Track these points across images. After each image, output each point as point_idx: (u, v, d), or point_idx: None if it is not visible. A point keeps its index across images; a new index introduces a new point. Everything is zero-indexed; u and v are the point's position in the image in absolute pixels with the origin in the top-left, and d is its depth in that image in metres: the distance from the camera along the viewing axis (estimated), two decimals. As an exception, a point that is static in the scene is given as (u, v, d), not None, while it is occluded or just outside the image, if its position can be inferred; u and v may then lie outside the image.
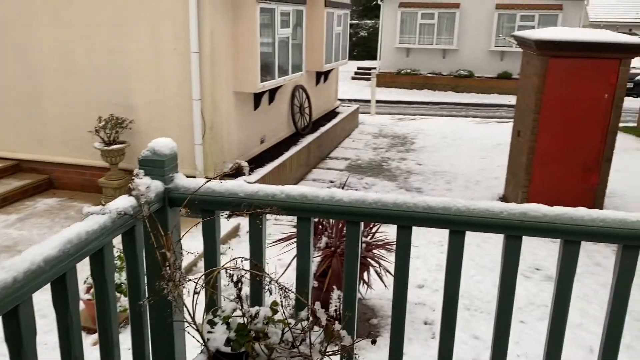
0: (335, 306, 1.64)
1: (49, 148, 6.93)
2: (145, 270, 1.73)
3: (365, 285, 4.20)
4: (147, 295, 1.70)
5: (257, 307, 1.52)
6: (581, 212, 1.64)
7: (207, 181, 1.73)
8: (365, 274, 4.18)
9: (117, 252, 3.77)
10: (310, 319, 1.50)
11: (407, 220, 1.72)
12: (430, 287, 4.86)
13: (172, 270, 1.55)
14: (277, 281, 1.51)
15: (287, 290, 1.51)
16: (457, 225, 1.70)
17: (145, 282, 1.74)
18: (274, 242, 4.49)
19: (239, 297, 1.50)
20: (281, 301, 1.49)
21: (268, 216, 1.78)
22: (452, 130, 12.27)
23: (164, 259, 1.57)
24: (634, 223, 1.60)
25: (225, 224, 5.81)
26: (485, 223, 1.67)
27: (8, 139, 7.06)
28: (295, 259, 1.79)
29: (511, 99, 17.00)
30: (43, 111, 6.82)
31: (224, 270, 1.58)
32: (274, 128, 8.28)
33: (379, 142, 11.01)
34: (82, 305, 4.10)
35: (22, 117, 6.93)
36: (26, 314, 1.23)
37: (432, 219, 1.70)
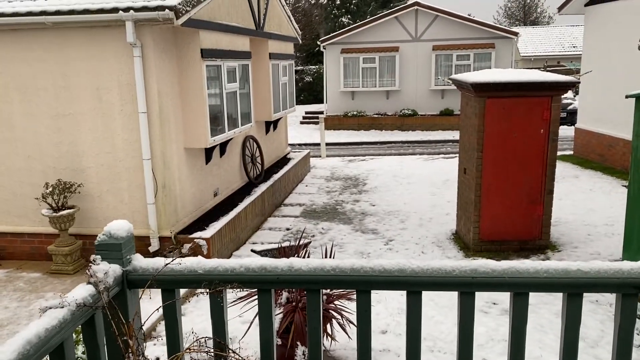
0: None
1: (-7, 218, 6.67)
2: (107, 358, 1.70)
3: (329, 338, 4.19)
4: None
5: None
6: (527, 265, 1.75)
7: (168, 263, 1.74)
8: (328, 326, 4.18)
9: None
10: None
11: (365, 285, 1.78)
12: (394, 331, 4.90)
13: (135, 358, 1.54)
14: (241, 357, 1.52)
15: (253, 367, 1.52)
16: (414, 286, 1.77)
17: (108, 370, 1.71)
18: (234, 301, 4.45)
19: (205, 382, 1.50)
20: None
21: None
22: (401, 168, 12.58)
23: (127, 347, 1.56)
24: (575, 272, 1.71)
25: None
26: (439, 282, 1.75)
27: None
28: (258, 317, 1.81)
29: (455, 134, 17.67)
30: (-15, 180, 6.60)
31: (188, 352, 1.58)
32: (227, 180, 8.28)
33: (331, 185, 11.15)
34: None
35: (-38, 187, 6.67)
36: None
37: (389, 281, 1.76)
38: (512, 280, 1.72)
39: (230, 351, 1.63)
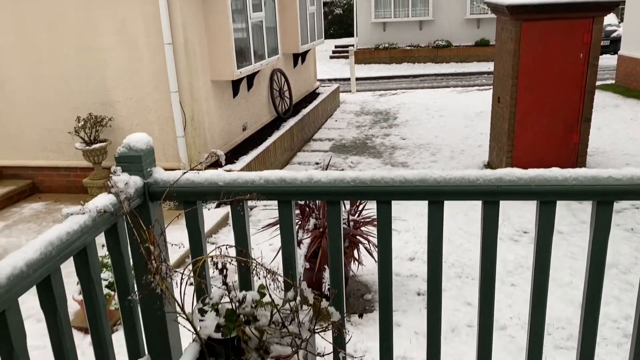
0: (328, 285, 1.66)
1: (29, 153, 6.85)
2: (132, 265, 1.74)
3: (357, 263, 4.24)
4: (136, 290, 1.72)
5: (244, 292, 1.54)
6: (554, 173, 1.67)
7: (185, 172, 1.73)
8: (355, 251, 4.22)
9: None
10: (298, 298, 1.53)
11: (385, 195, 1.74)
12: (421, 258, 4.92)
13: (157, 264, 1.57)
14: (262, 265, 1.54)
15: (273, 273, 1.53)
16: (435, 195, 1.73)
17: (134, 277, 1.75)
18: (263, 227, 4.51)
19: (225, 284, 1.52)
20: (267, 283, 1.51)
21: (257, 203, 1.80)
22: (433, 101, 12.29)
23: (149, 253, 1.58)
24: (606, 179, 1.64)
25: (215, 214, 5.82)
26: (462, 191, 1.70)
27: (-13, 147, 6.98)
28: (279, 230, 1.81)
29: (490, 66, 17.04)
30: (17, 118, 6.73)
31: (210, 259, 1.60)
32: (255, 114, 8.25)
33: (361, 119, 11.01)
34: (77, 307, 4.10)
35: (-1, 123, 6.84)
36: (14, 319, 1.24)
37: (410, 191, 1.72)
38: (539, 188, 1.66)
39: (252, 259, 1.65)
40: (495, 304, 1.90)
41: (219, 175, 1.82)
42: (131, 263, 1.73)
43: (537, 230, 1.74)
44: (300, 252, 4.01)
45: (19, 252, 1.30)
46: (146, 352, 1.82)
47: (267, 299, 1.58)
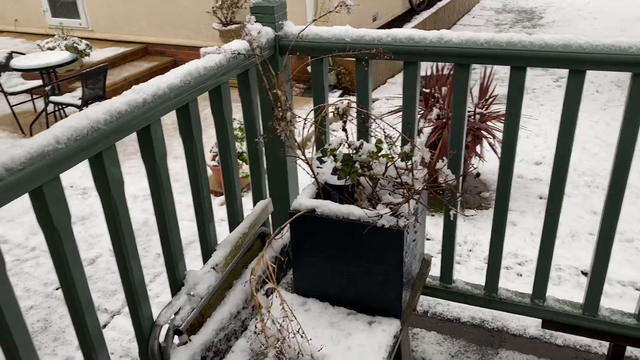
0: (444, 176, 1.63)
1: (171, 31, 7.27)
2: (259, 112, 1.84)
3: (478, 158, 4.12)
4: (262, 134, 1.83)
5: (362, 140, 1.57)
6: None
7: (314, 21, 1.74)
8: (478, 147, 4.09)
9: (237, 124, 4.01)
10: (415, 155, 1.53)
11: (521, 60, 1.63)
12: (549, 164, 4.65)
13: (283, 110, 1.64)
14: (381, 118, 1.54)
15: (391, 127, 1.54)
16: (578, 64, 1.58)
17: (261, 123, 1.86)
18: (383, 114, 4.50)
19: (344, 130, 1.56)
20: (384, 138, 1.52)
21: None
22: (588, 1, 10.95)
23: (276, 100, 1.65)
24: None
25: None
26: (610, 60, 1.54)
27: (136, 24, 7.50)
28: (402, 91, 1.80)
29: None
30: (163, -5, 7.10)
31: (332, 109, 1.64)
32: (387, 4, 7.94)
33: (502, 17, 10.17)
34: (209, 172, 4.48)
35: (144, 1, 7.27)
36: (156, 131, 1.38)
37: (549, 57, 1.59)
38: None
39: (371, 114, 1.66)
40: (625, 215, 1.77)
41: (346, 31, 1.82)
42: (259, 109, 1.83)
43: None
44: (420, 141, 3.97)
45: (161, 76, 1.42)
46: (268, 195, 1.96)
47: (383, 152, 1.60)
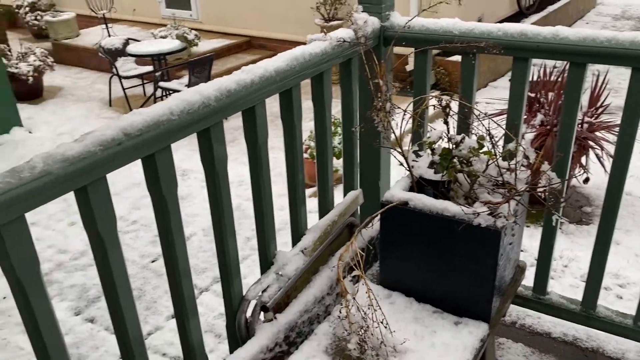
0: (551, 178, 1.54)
1: (274, 26, 7.47)
2: (358, 102, 1.85)
3: (582, 170, 3.88)
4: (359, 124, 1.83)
5: (464, 134, 1.53)
6: None
7: (419, 12, 1.71)
8: (583, 158, 3.85)
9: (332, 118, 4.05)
10: (518, 153, 1.46)
11: (646, 61, 1.51)
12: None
13: (383, 100, 1.63)
14: (486, 114, 1.49)
15: (495, 123, 1.48)
16: None
17: (358, 113, 1.86)
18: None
19: (446, 123, 1.52)
20: (487, 133, 1.47)
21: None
22: None
23: (377, 90, 1.64)
24: None
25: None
26: None
27: (243, 17, 7.79)
28: (509, 91, 1.72)
29: None
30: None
31: (432, 101, 1.61)
32: (494, 4, 7.66)
33: (619, 25, 9.48)
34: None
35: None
36: (261, 113, 1.43)
37: (679, 59, 1.46)
38: None
39: (475, 108, 1.61)
40: None
41: (455, 23, 1.77)
42: (358, 98, 1.83)
43: None
44: (525, 140, 3.80)
45: (269, 60, 1.47)
46: (358, 186, 1.96)
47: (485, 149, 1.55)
